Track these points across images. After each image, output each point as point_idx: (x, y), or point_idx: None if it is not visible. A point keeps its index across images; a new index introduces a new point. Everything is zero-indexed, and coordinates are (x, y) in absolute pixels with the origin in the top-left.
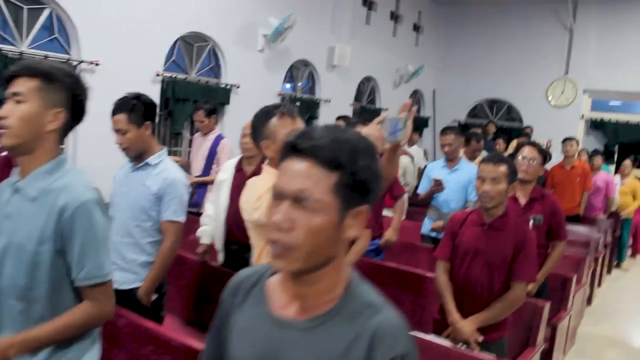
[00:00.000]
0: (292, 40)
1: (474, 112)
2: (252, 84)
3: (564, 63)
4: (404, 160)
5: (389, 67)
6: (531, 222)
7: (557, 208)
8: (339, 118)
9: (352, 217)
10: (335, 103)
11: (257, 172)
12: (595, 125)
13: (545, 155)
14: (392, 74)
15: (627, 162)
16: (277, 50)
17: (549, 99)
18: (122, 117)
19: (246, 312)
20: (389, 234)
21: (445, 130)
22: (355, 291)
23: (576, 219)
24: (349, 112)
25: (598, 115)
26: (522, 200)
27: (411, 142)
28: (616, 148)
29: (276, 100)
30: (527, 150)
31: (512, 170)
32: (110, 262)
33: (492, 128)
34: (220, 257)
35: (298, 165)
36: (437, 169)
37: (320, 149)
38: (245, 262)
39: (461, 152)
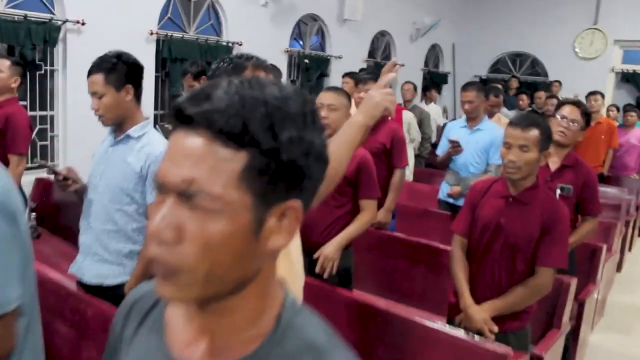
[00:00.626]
0: None
1: (496, 66)
2: (256, 41)
3: (592, 12)
4: (407, 115)
5: (405, 20)
6: (558, 192)
7: (592, 179)
8: (345, 75)
9: (277, 219)
10: (347, 59)
11: None
12: (627, 78)
13: (588, 119)
14: (409, 27)
15: None
16: (282, 5)
17: (577, 50)
18: (98, 77)
19: (138, 347)
20: (381, 215)
21: (466, 87)
22: (290, 325)
23: (600, 179)
24: (362, 68)
25: (630, 67)
26: (553, 166)
27: (429, 100)
28: None
29: (283, 57)
30: (568, 110)
31: (545, 135)
32: (14, 283)
33: (515, 83)
34: None
35: (185, 143)
36: (456, 129)
37: (218, 115)
38: None
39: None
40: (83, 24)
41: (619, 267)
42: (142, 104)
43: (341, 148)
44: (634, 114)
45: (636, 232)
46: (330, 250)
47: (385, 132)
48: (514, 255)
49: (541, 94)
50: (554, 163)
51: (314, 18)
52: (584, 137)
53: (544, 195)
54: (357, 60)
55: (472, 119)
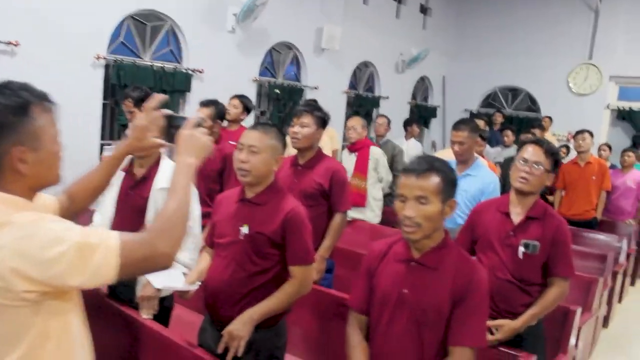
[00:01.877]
0: (270, 20)
1: (488, 101)
2: (220, 69)
3: (587, 47)
4: (375, 151)
5: (391, 51)
6: (522, 249)
7: (563, 233)
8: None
9: None
10: (325, 90)
11: (149, 174)
12: (623, 116)
13: (556, 160)
14: (394, 58)
15: None
16: (252, 32)
17: (571, 86)
18: None
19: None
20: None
21: (458, 125)
22: None
23: (593, 225)
24: (341, 100)
25: (626, 105)
26: (516, 218)
27: (409, 135)
28: None
29: (250, 86)
30: (530, 150)
31: (448, 181)
32: None
33: (499, 118)
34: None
35: None
36: None
37: None
38: (131, 291)
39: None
40: (16, 44)
41: (606, 322)
42: (88, 132)
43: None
44: (631, 154)
45: (628, 281)
46: (235, 327)
47: (323, 170)
48: (422, 332)
49: (536, 131)
50: (517, 215)
51: (288, 46)
52: (574, 179)
53: (456, 257)
54: (336, 91)
55: (462, 163)
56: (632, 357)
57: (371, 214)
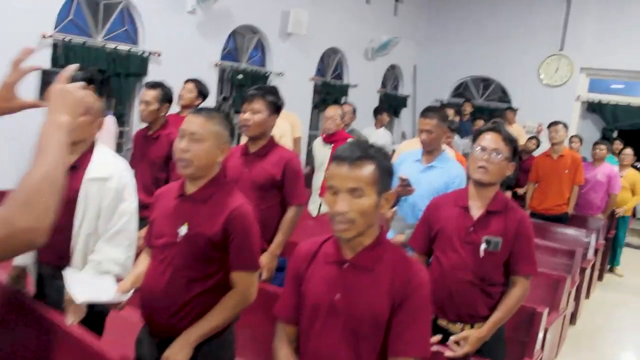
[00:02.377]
0: (234, 2)
1: (459, 91)
2: (179, 52)
3: (559, 38)
4: (314, 147)
5: (361, 38)
6: (483, 246)
7: (526, 227)
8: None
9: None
10: (290, 77)
11: (81, 163)
12: (593, 108)
13: (515, 147)
14: (364, 45)
15: (628, 151)
16: (213, 13)
17: (541, 77)
18: None
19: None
20: (264, 260)
21: (425, 113)
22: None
23: (564, 219)
24: (308, 87)
25: (596, 97)
26: (476, 212)
27: (379, 123)
28: (615, 134)
29: (212, 71)
30: (488, 138)
31: (384, 170)
32: None
33: (469, 108)
34: (32, 284)
35: None
36: (408, 162)
37: None
38: (59, 291)
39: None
40: None
41: (573, 319)
42: (33, 118)
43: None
44: (603, 147)
45: (595, 276)
46: (172, 352)
47: (276, 160)
48: (358, 343)
49: (480, 123)
50: (477, 209)
51: (253, 30)
52: (546, 172)
53: (392, 255)
54: (302, 77)
55: (429, 153)
56: (600, 353)
57: None
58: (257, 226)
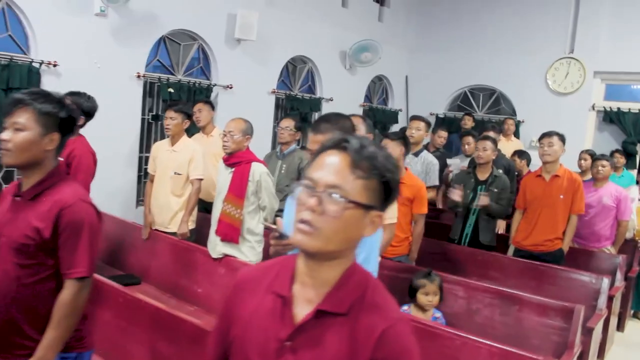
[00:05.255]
0: (162, 2)
1: (456, 103)
2: (86, 61)
3: (568, 39)
4: (258, 170)
5: (337, 46)
6: None
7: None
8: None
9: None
10: (243, 89)
11: None
12: (610, 118)
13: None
14: (341, 53)
15: None
16: (133, 16)
17: (549, 84)
18: None
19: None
20: None
21: (316, 126)
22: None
23: (557, 258)
24: (268, 101)
25: (614, 105)
26: (301, 309)
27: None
28: (638, 148)
29: (133, 83)
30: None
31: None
32: None
33: (469, 122)
34: None
35: None
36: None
37: None
38: None
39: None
40: None
41: None
42: None
43: None
44: (606, 163)
45: (613, 327)
46: None
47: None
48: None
49: (491, 134)
50: (304, 302)
51: (191, 36)
52: (535, 198)
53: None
54: (260, 91)
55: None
56: None
57: (250, 251)
58: (96, 226)
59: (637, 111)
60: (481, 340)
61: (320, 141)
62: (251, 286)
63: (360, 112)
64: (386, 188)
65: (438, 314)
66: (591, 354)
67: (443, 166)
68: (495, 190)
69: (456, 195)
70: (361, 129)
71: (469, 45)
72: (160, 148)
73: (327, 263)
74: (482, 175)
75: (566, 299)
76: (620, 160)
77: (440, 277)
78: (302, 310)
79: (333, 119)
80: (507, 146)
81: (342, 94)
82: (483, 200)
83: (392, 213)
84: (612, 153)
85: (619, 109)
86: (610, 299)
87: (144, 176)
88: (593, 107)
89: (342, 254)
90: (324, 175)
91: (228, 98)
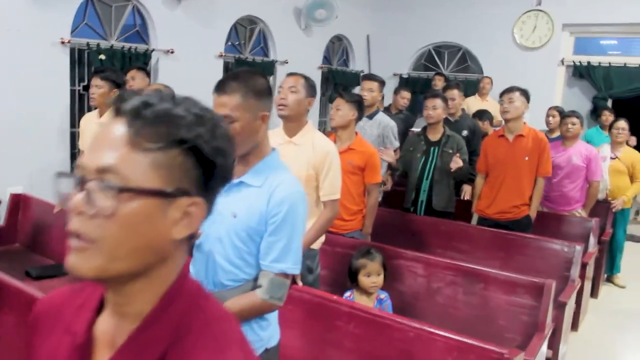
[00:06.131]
0: None
1: (420, 62)
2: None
3: None
4: None
5: (291, 3)
6: None
7: None
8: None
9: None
10: (187, 54)
11: None
12: (581, 73)
13: None
14: (294, 12)
15: (622, 124)
16: None
17: (517, 38)
18: None
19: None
20: None
21: (219, 87)
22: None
23: (525, 225)
24: (216, 66)
25: (584, 59)
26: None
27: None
28: (609, 104)
29: (58, 51)
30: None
31: None
32: None
33: (440, 82)
34: None
35: None
36: None
37: None
38: None
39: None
40: None
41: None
42: None
43: None
44: (576, 121)
45: (586, 297)
46: None
47: None
48: None
49: (454, 92)
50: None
51: None
52: (499, 160)
53: None
54: (207, 55)
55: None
56: None
57: None
58: None
59: (608, 65)
60: (437, 331)
61: (226, 104)
62: (50, 322)
63: (318, 74)
64: (202, 159)
65: (383, 295)
66: (564, 329)
67: (406, 129)
68: (450, 151)
69: (386, 155)
70: (300, 90)
71: (432, 1)
72: (89, 120)
73: (131, 287)
74: (434, 136)
75: (537, 269)
76: (609, 118)
77: (381, 254)
78: (102, 359)
79: (242, 77)
80: (482, 107)
81: (298, 56)
82: (457, 162)
83: (331, 188)
84: (602, 111)
85: (588, 62)
86: (584, 266)
87: (78, 153)
88: (562, 62)
89: (148, 272)
90: (93, 156)
91: (170, 64)
